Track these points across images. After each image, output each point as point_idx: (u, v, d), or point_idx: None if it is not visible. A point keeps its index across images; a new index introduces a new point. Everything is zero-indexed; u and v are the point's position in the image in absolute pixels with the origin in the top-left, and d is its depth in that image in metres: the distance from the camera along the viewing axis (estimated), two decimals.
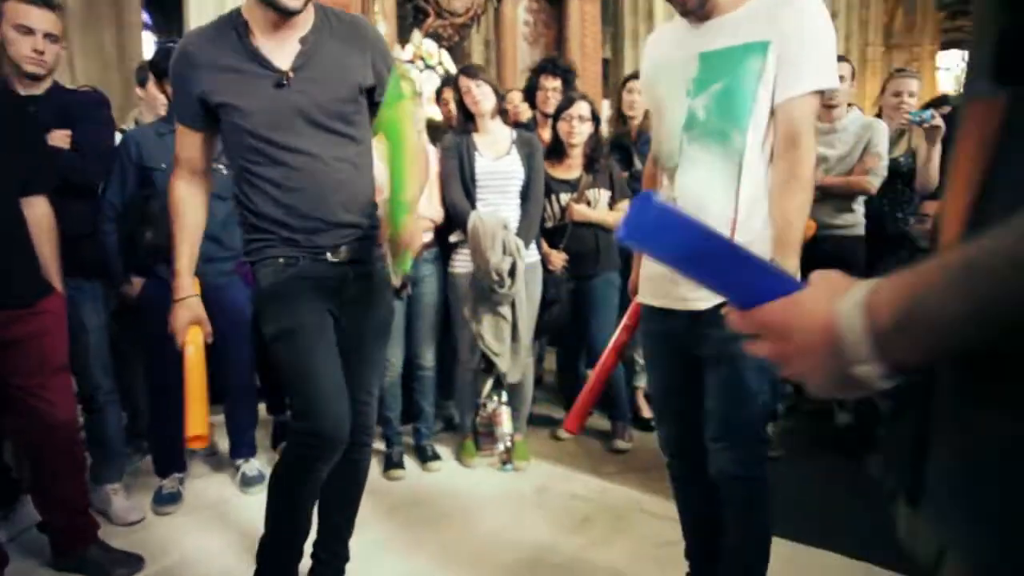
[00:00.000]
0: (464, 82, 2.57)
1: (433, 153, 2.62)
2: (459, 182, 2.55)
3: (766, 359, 0.59)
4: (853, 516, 2.01)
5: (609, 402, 2.87)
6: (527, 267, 2.55)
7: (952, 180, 0.56)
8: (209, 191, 1.62)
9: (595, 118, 2.77)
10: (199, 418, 1.46)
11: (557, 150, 2.80)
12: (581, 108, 2.72)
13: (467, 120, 2.60)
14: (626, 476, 2.54)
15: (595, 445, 2.87)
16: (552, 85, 3.08)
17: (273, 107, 1.46)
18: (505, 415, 2.66)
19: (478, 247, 2.45)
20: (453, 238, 2.58)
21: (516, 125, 3.18)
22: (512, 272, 2.45)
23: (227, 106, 1.46)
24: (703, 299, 1.39)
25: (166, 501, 2.29)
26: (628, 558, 1.99)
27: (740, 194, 1.40)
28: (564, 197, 2.77)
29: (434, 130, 3.01)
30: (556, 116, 2.78)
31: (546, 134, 3.08)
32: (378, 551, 2.01)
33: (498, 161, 2.56)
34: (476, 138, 2.59)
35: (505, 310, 2.51)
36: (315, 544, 1.72)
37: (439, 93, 3.20)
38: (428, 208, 2.55)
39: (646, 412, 3.04)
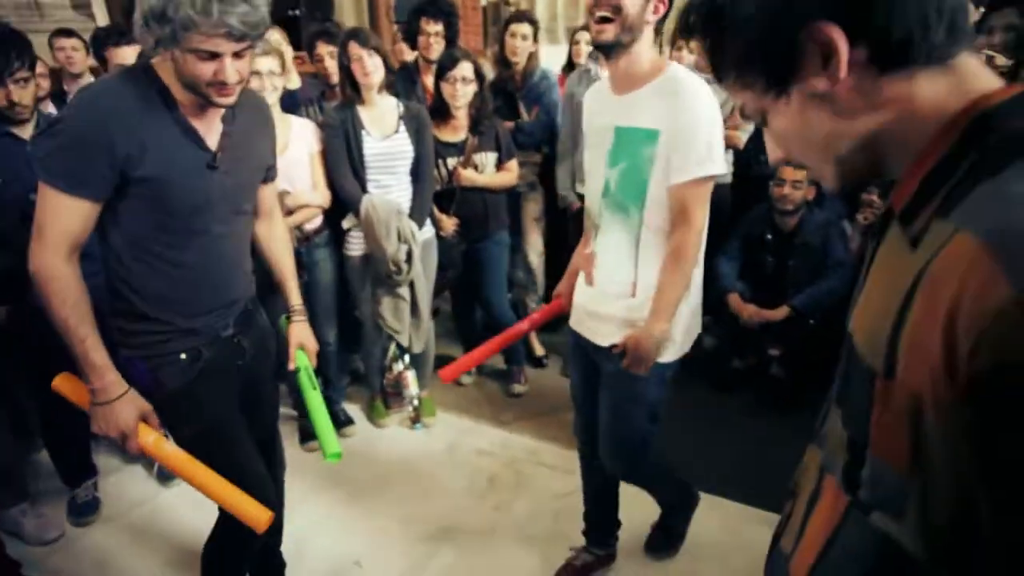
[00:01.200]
0: (355, 50, 2.39)
1: (311, 129, 2.49)
2: (347, 164, 2.46)
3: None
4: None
5: (506, 351, 3.11)
6: (422, 243, 2.59)
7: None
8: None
9: (479, 76, 2.70)
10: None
11: (441, 111, 2.73)
12: (464, 69, 2.63)
13: (354, 91, 2.45)
14: (524, 424, 2.85)
15: (494, 388, 3.14)
16: (434, 30, 2.90)
17: (204, 188, 1.38)
18: (411, 377, 2.82)
19: (372, 235, 2.45)
20: (346, 224, 2.54)
21: (400, 67, 3.04)
22: (408, 258, 2.49)
23: (152, 181, 1.31)
24: (602, 336, 1.66)
25: (83, 512, 2.31)
26: (529, 514, 2.33)
27: (638, 261, 1.59)
28: (451, 161, 2.76)
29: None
30: (439, 75, 2.68)
31: (429, 80, 2.97)
32: (311, 535, 2.21)
33: (387, 140, 2.48)
34: (362, 113, 2.47)
35: (403, 291, 2.58)
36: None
37: (311, 48, 2.92)
38: (314, 193, 2.48)
39: (539, 350, 3.33)
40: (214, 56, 1.24)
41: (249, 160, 1.50)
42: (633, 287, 1.61)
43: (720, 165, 1.50)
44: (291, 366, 1.73)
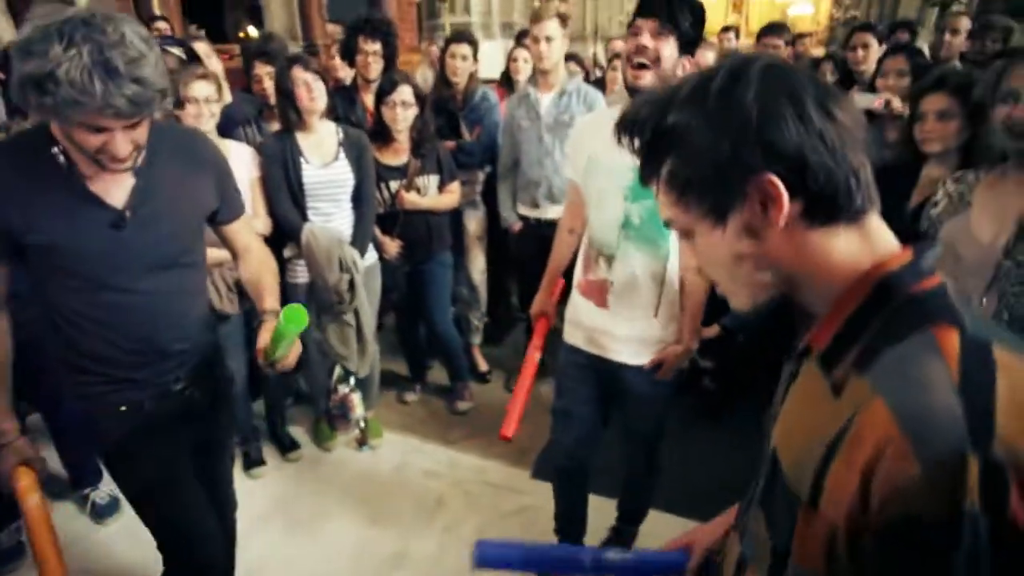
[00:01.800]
0: (299, 74, 2.36)
1: (249, 155, 2.45)
2: (287, 193, 2.44)
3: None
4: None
5: (449, 366, 3.17)
6: (366, 270, 2.60)
7: None
8: (7, 321, 1.40)
9: (419, 99, 2.72)
10: None
11: (382, 134, 2.73)
12: (404, 93, 2.64)
13: (295, 115, 2.42)
14: (470, 442, 2.92)
15: (439, 406, 3.19)
16: (372, 49, 2.88)
17: (111, 250, 1.31)
18: (356, 400, 2.82)
19: (314, 264, 2.44)
20: (287, 253, 2.52)
21: (336, 89, 3.01)
22: (351, 287, 2.50)
23: (47, 247, 1.27)
24: (628, 355, 1.82)
25: (8, 558, 2.23)
26: (477, 534, 2.40)
27: (664, 288, 1.76)
28: (394, 184, 2.77)
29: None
30: (379, 99, 2.68)
31: (368, 99, 2.96)
32: (262, 566, 2.21)
33: (326, 168, 2.47)
34: (300, 140, 2.45)
35: (349, 317, 2.58)
36: None
37: (248, 67, 2.85)
38: (256, 221, 2.44)
39: (482, 366, 3.40)
40: (101, 130, 1.17)
41: (175, 209, 1.41)
42: (656, 308, 1.77)
43: None
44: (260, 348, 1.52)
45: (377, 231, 2.77)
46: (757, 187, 0.63)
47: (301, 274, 2.56)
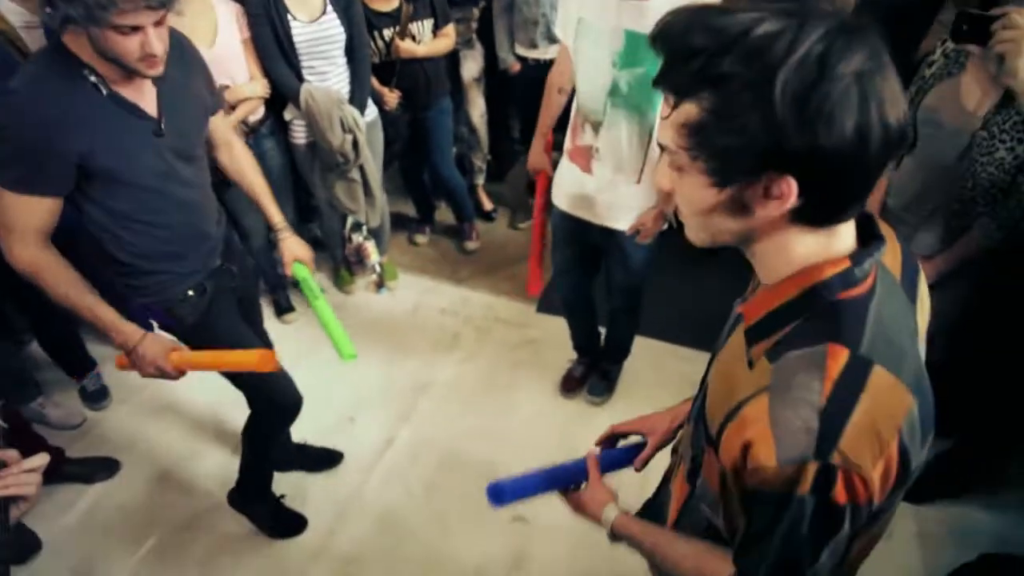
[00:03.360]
0: None
1: (234, 12, 2.37)
2: (278, 53, 2.40)
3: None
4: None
5: (455, 208, 3.32)
6: (367, 125, 2.64)
7: None
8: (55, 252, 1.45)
9: None
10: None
11: None
12: None
13: None
14: (479, 280, 3.16)
15: (448, 246, 3.39)
16: None
17: (156, 155, 1.44)
18: (371, 247, 3.01)
19: (316, 126, 2.48)
20: (287, 115, 2.54)
21: None
22: (355, 146, 2.55)
23: (109, 169, 1.36)
24: (614, 220, 1.94)
25: (96, 398, 2.59)
26: (491, 365, 2.74)
27: (648, 154, 1.81)
28: (387, 32, 2.69)
29: None
30: None
31: None
32: (303, 400, 2.58)
33: (315, 24, 2.39)
34: None
35: (354, 174, 2.67)
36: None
37: None
38: (253, 84, 2.44)
39: (487, 204, 3.53)
40: (136, 29, 1.22)
41: (188, 108, 1.51)
42: (639, 175, 1.84)
43: None
44: (288, 274, 1.82)
45: (375, 82, 2.74)
46: (772, 179, 0.62)
47: (300, 135, 2.60)
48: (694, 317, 2.41)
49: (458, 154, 3.41)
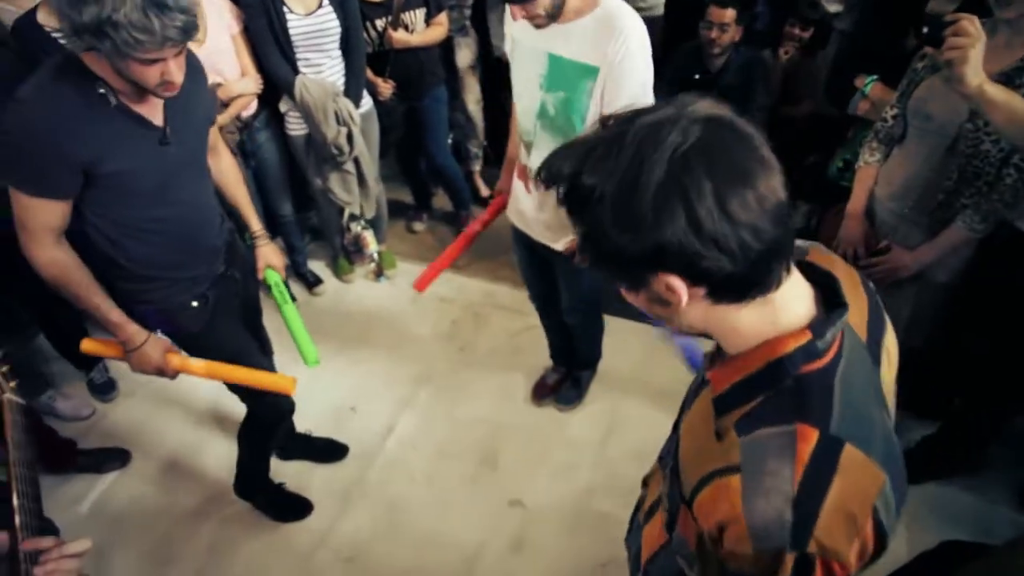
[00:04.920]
0: None
1: (226, 7, 2.37)
2: (274, 45, 2.41)
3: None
4: None
5: (452, 196, 3.34)
6: (362, 117, 2.65)
7: None
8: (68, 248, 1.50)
9: None
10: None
11: None
12: None
13: None
14: (477, 267, 3.20)
15: (445, 233, 3.42)
16: None
17: (161, 164, 1.47)
18: (369, 237, 3.05)
19: (311, 119, 2.49)
20: (283, 107, 2.55)
21: None
22: (349, 139, 2.57)
23: (115, 175, 1.40)
24: (550, 239, 1.94)
25: (104, 390, 2.66)
26: (490, 352, 2.79)
27: None
28: (380, 23, 2.69)
29: None
30: None
31: None
32: (305, 392, 2.57)
33: (311, 17, 2.39)
34: None
35: (349, 166, 2.69)
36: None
37: None
38: (246, 80, 2.45)
39: (484, 191, 3.55)
40: (156, 61, 1.27)
41: (194, 118, 1.55)
42: None
43: (647, 97, 1.61)
44: (260, 277, 1.89)
45: (369, 72, 2.75)
46: (661, 277, 0.65)
47: (296, 127, 2.62)
48: None
49: (454, 141, 3.42)
